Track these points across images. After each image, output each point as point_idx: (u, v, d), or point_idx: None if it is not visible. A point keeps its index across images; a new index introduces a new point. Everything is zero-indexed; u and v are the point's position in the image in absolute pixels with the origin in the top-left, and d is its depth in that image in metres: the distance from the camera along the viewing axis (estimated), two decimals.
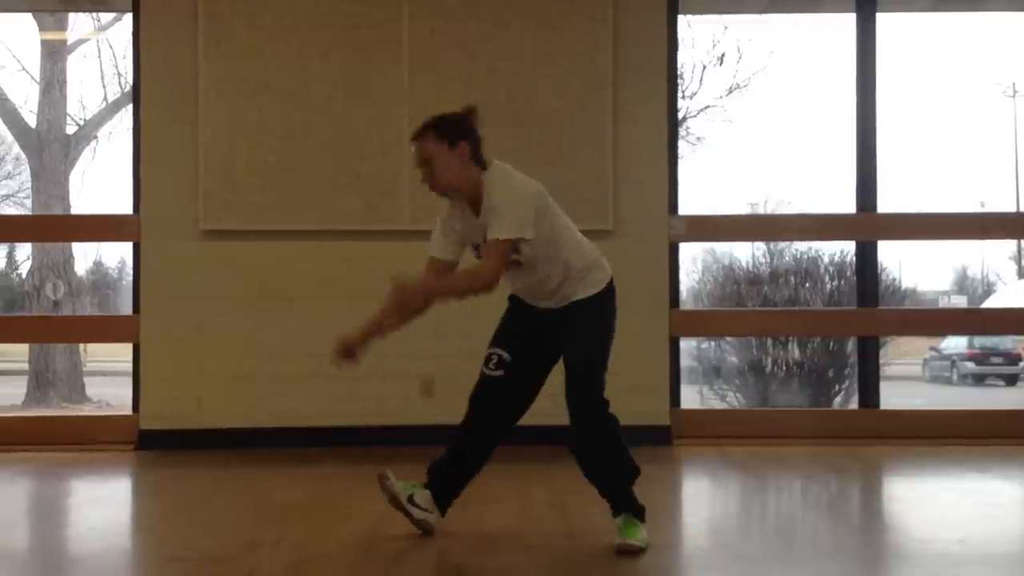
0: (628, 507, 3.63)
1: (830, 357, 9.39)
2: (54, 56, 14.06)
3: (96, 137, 14.60)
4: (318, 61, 6.17)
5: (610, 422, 3.64)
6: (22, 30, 16.40)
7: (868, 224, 6.51)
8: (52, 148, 13.95)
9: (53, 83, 14.04)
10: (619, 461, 3.69)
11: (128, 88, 13.12)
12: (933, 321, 8.18)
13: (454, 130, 3.60)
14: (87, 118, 14.65)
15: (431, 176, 3.57)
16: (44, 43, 13.99)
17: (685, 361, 7.04)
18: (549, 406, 6.03)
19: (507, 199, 3.51)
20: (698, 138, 13.89)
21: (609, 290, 3.70)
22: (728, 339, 9.74)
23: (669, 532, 4.12)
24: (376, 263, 6.14)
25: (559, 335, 3.67)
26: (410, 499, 3.71)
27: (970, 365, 17.52)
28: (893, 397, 7.38)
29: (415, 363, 6.08)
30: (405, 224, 6.14)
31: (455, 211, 3.67)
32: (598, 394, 3.61)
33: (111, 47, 14.53)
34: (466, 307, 6.13)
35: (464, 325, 6.05)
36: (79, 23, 14.39)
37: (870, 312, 6.58)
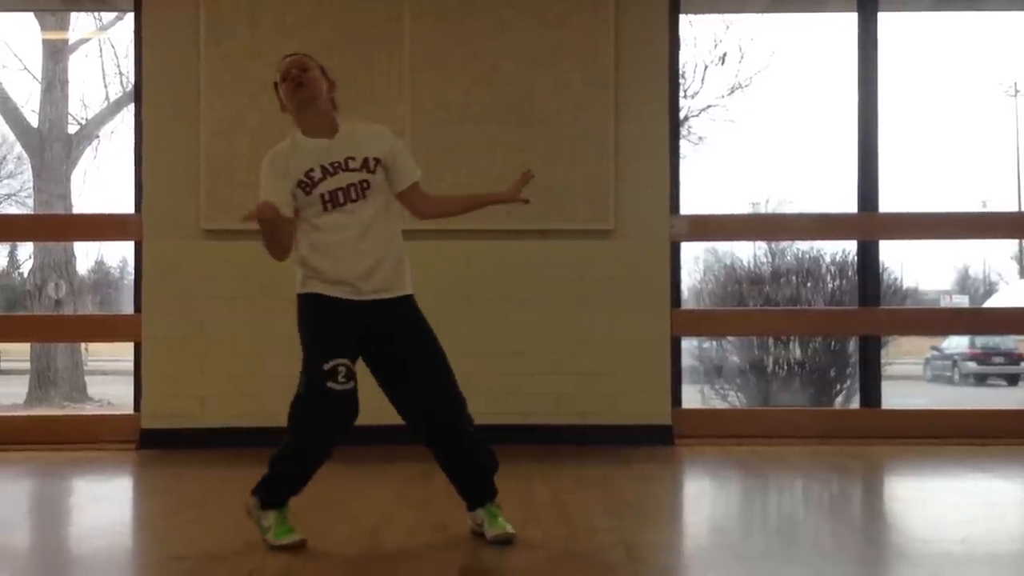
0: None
1: (831, 357, 9.39)
2: (56, 55, 14.07)
3: (98, 136, 14.63)
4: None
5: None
6: (24, 30, 16.42)
7: (870, 223, 6.51)
8: (54, 147, 13.97)
9: (55, 82, 14.06)
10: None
11: (130, 87, 13.13)
12: (935, 321, 8.16)
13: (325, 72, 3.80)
14: (89, 117, 14.67)
15: (306, 80, 3.68)
16: (46, 43, 14.01)
17: (686, 361, 7.04)
18: (550, 407, 6.09)
19: (398, 141, 3.73)
20: (700, 138, 13.91)
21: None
22: (729, 339, 9.74)
23: (670, 531, 4.12)
24: None
25: (396, 328, 3.58)
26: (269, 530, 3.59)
27: (972, 365, 17.52)
28: (894, 397, 7.37)
29: None
30: (405, 223, 6.11)
31: (285, 151, 3.67)
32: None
33: (113, 46, 14.56)
34: (470, 307, 6.15)
35: (464, 325, 6.07)
36: (81, 22, 14.43)
37: (872, 312, 6.58)
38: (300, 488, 3.63)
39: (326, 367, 3.45)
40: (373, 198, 3.59)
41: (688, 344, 8.87)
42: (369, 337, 3.57)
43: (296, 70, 3.67)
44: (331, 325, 3.54)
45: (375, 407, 5.93)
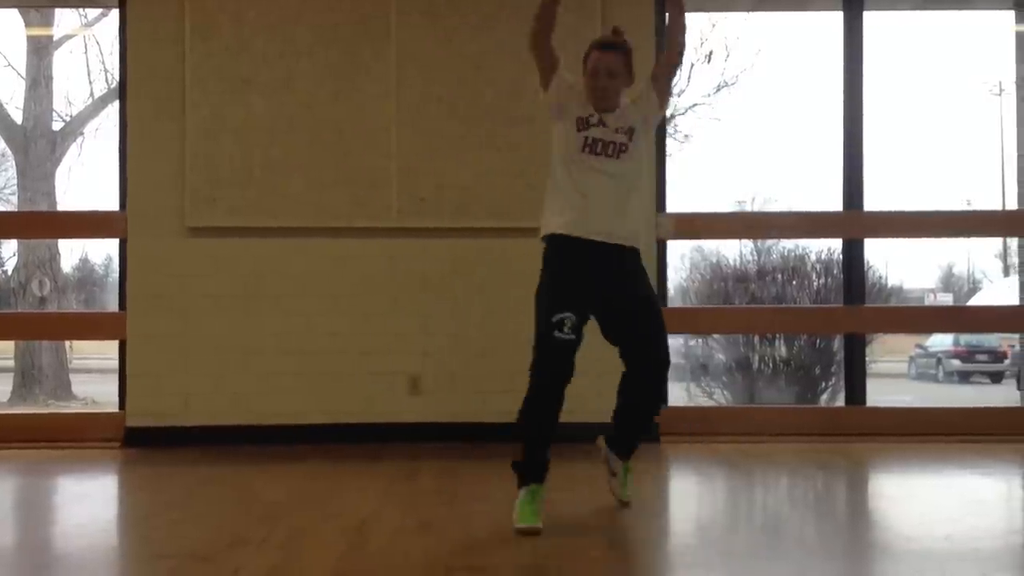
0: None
1: (817, 354, 9.42)
2: (40, 52, 13.98)
3: (82, 133, 14.54)
4: (304, 57, 6.15)
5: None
6: (8, 26, 16.33)
7: (855, 222, 6.53)
8: (38, 144, 13.88)
9: (39, 79, 13.97)
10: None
11: (114, 84, 13.06)
12: (919, 319, 8.18)
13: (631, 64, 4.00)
14: (73, 114, 14.59)
15: (609, 90, 3.91)
16: (30, 39, 13.92)
17: (672, 358, 7.03)
18: None
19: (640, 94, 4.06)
20: (686, 136, 13.91)
21: None
22: (715, 336, 9.76)
23: (656, 528, 4.12)
24: (363, 260, 6.14)
25: (620, 280, 3.86)
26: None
27: (955, 363, 17.60)
28: (879, 394, 7.40)
29: (402, 360, 6.07)
30: (392, 221, 6.13)
31: (573, 94, 4.02)
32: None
33: (97, 43, 14.47)
34: (456, 306, 6.13)
35: (451, 324, 6.06)
36: (65, 19, 14.33)
37: (856, 310, 6.60)
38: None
39: (554, 319, 3.81)
40: (628, 162, 3.86)
41: (674, 342, 8.84)
42: (603, 276, 3.85)
43: (605, 78, 3.93)
44: (565, 272, 3.85)
45: (360, 405, 5.92)
